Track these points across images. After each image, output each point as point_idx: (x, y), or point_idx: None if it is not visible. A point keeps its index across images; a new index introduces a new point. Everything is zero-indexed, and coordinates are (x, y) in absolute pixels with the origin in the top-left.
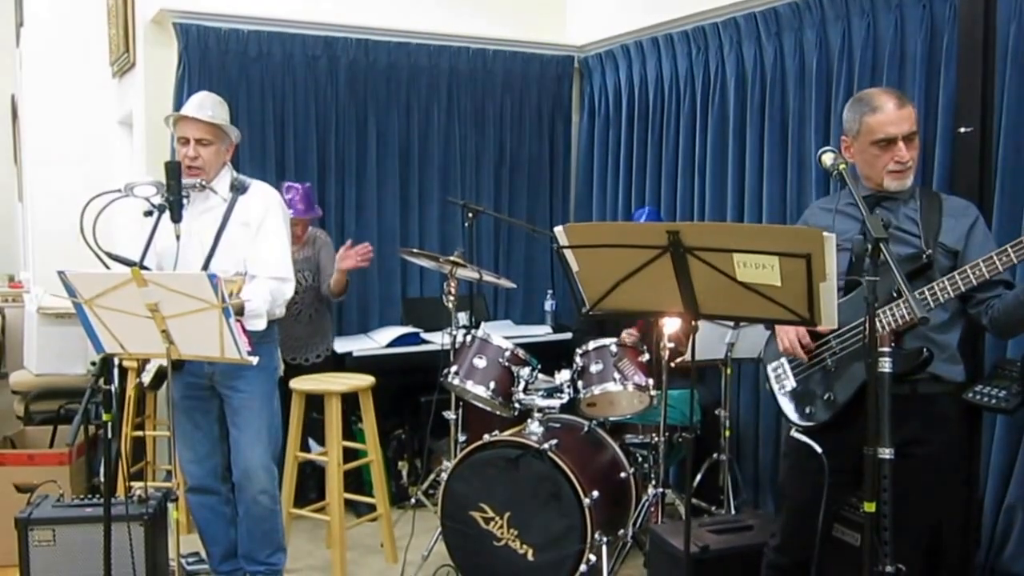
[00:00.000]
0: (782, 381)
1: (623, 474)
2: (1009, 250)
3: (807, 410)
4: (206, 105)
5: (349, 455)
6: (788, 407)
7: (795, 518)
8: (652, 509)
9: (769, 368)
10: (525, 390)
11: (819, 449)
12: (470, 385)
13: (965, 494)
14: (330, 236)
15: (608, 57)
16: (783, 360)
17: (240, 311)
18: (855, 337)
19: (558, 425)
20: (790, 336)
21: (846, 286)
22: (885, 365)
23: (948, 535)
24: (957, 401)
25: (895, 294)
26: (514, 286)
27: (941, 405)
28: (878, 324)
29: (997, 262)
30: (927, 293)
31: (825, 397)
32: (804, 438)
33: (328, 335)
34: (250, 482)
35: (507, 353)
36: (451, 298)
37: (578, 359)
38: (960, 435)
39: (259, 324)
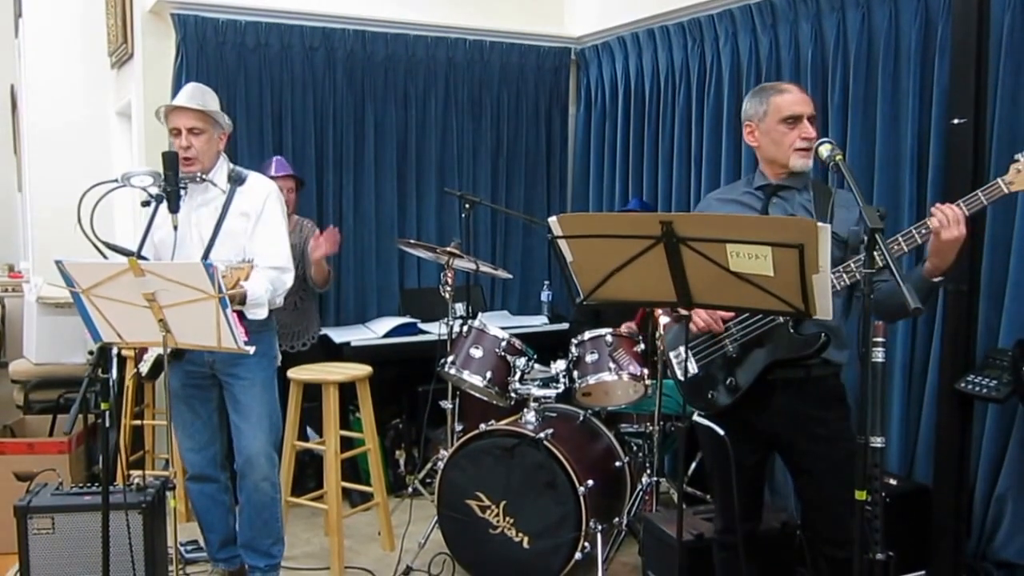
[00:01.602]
0: (684, 367)
1: (618, 463)
2: (900, 239)
3: (709, 395)
4: (195, 95)
5: (346, 444)
6: (690, 393)
7: (727, 501)
8: (646, 497)
9: (671, 355)
10: (521, 380)
11: (722, 432)
12: (467, 375)
13: (955, 483)
14: (327, 227)
15: (605, 49)
16: (683, 347)
17: (243, 300)
18: (756, 324)
19: (554, 414)
20: (702, 315)
21: None
22: (878, 355)
23: (939, 524)
24: (840, 381)
25: None
26: (511, 277)
27: (830, 385)
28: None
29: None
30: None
31: (727, 382)
32: (706, 422)
33: (314, 323)
34: (252, 469)
35: (503, 343)
36: (448, 288)
37: (574, 349)
38: (848, 410)
39: (261, 313)
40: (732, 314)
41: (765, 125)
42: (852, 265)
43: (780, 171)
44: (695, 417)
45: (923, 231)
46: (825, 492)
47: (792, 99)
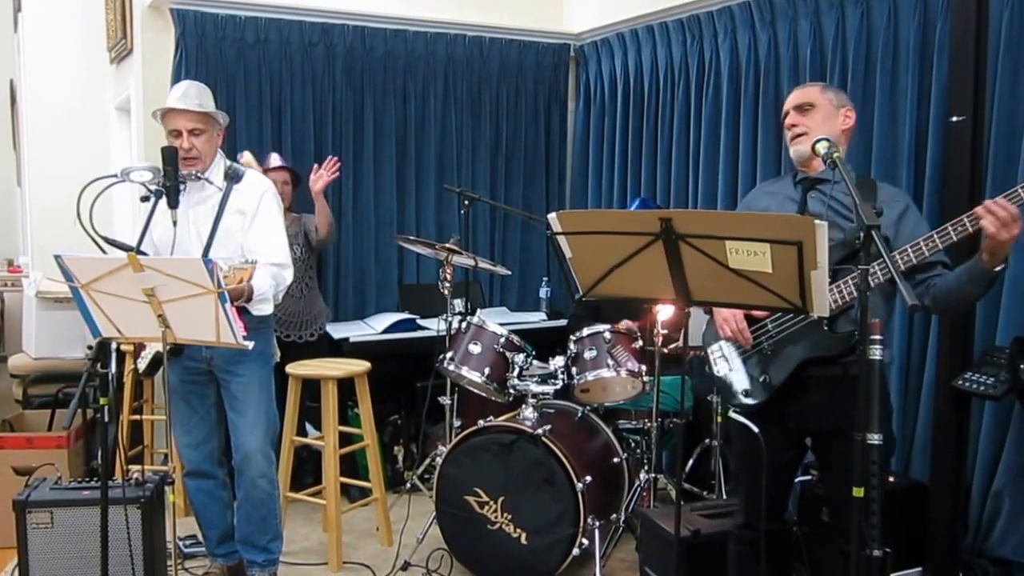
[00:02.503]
0: (720, 363)
1: (616, 459)
2: (935, 236)
3: (744, 392)
4: (191, 95)
5: (345, 440)
6: (725, 390)
7: (751, 497)
8: (644, 494)
9: (709, 351)
10: (520, 376)
11: (756, 429)
12: (465, 371)
13: (952, 480)
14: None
15: (604, 45)
16: (721, 343)
17: (249, 297)
18: (791, 320)
19: (552, 411)
20: (730, 325)
21: None
22: (876, 352)
23: (935, 520)
24: (883, 379)
25: (829, 277)
26: (509, 273)
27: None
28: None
29: (924, 247)
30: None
31: (761, 379)
32: (741, 418)
33: (322, 313)
34: (249, 467)
35: (502, 339)
36: (447, 285)
37: (572, 345)
38: (887, 409)
39: (266, 308)
40: (766, 313)
41: None
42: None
43: (811, 167)
44: (730, 413)
45: (959, 229)
46: (847, 490)
47: (789, 98)
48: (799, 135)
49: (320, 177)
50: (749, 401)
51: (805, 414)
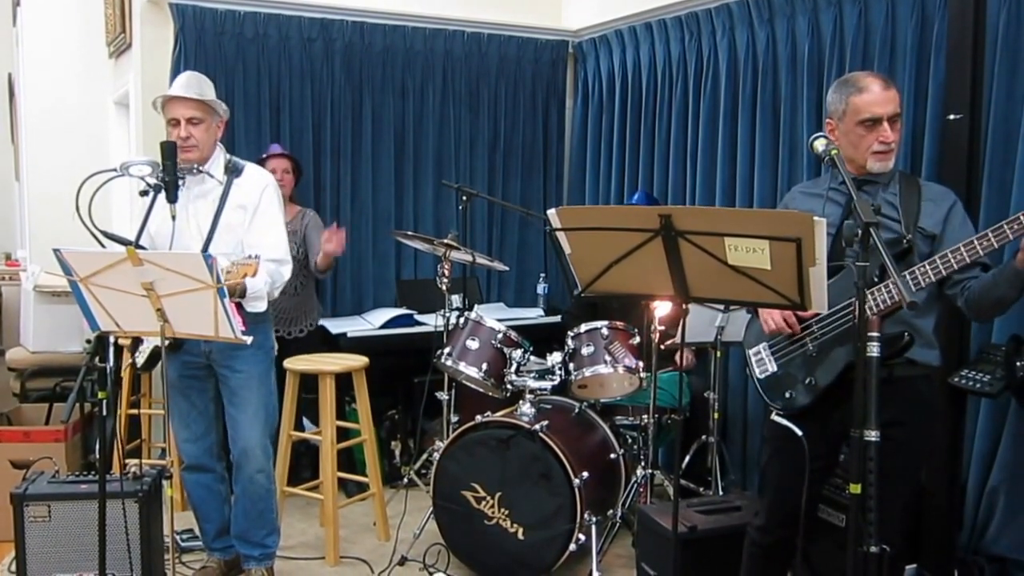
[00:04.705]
0: (763, 366)
1: (613, 455)
2: (990, 235)
3: (788, 394)
4: (192, 84)
5: (342, 435)
6: (768, 392)
7: (778, 499)
8: (641, 490)
9: (750, 353)
10: (517, 372)
11: (800, 433)
12: (463, 366)
13: (947, 477)
14: (325, 218)
15: (602, 42)
16: (763, 345)
17: (242, 294)
18: (836, 322)
19: (549, 406)
20: (775, 317)
21: (829, 270)
22: (874, 350)
23: (931, 518)
24: (932, 384)
25: (876, 278)
26: (507, 269)
27: (917, 388)
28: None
29: (978, 246)
30: (908, 277)
31: (806, 381)
32: (785, 422)
33: (314, 310)
34: (248, 461)
35: (500, 335)
36: (445, 280)
37: (570, 341)
38: (935, 417)
39: (260, 305)
40: (811, 312)
41: (844, 125)
42: (938, 261)
43: (861, 169)
44: (773, 417)
45: (1016, 227)
46: (880, 495)
47: (870, 99)
48: (892, 151)
49: (330, 242)
50: (793, 404)
51: (850, 417)
